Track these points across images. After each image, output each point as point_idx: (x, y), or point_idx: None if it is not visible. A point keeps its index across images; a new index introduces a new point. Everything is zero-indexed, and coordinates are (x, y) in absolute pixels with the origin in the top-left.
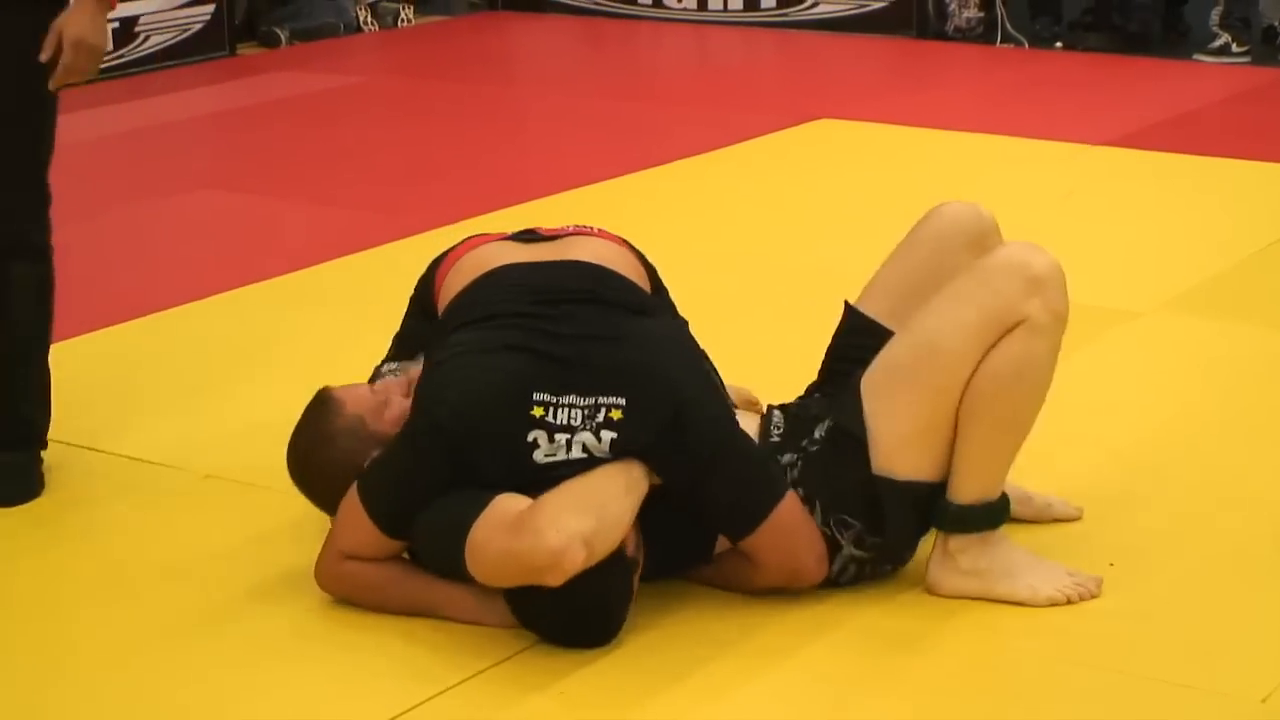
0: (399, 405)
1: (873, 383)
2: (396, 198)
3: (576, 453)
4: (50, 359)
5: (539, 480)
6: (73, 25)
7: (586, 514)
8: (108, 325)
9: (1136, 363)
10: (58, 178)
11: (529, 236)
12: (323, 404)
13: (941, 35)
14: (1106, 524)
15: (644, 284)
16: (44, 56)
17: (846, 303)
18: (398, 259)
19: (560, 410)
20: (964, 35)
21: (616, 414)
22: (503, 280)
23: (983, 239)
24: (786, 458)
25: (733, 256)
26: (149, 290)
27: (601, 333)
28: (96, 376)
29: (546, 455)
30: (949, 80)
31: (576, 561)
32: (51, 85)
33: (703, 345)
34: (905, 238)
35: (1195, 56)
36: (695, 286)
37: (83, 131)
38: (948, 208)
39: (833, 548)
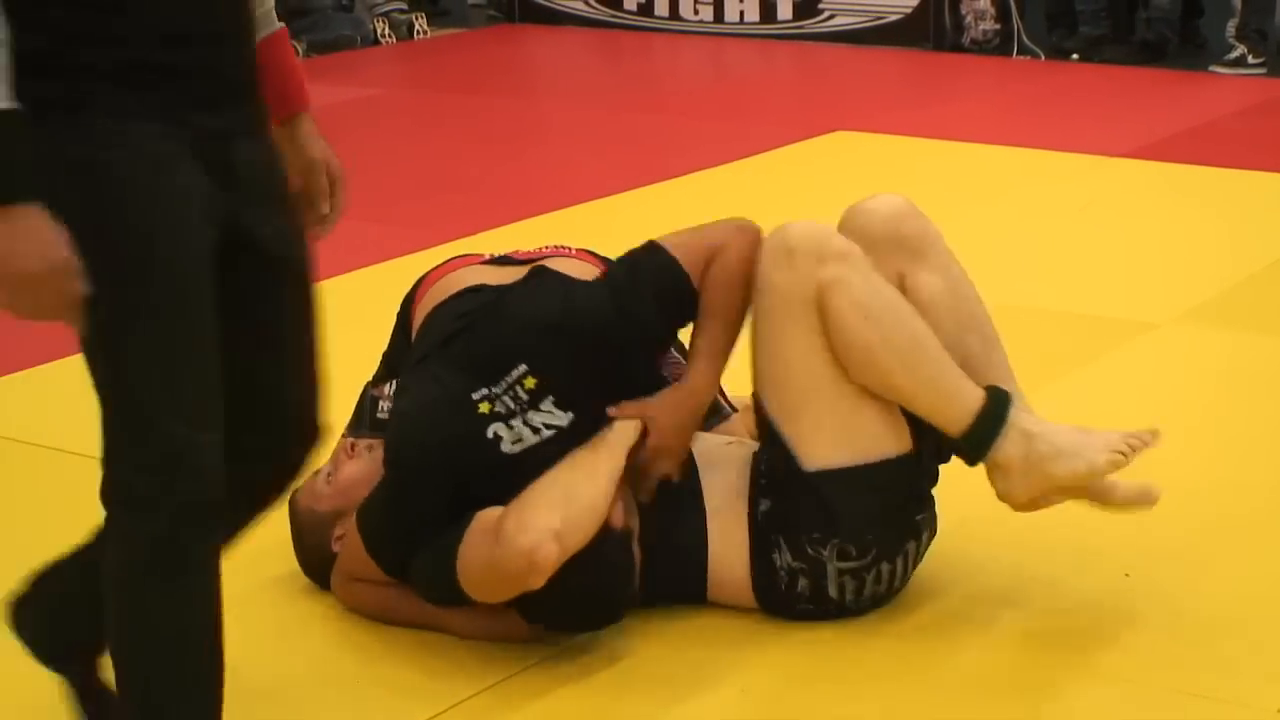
0: (344, 471)
1: (771, 403)
2: (413, 210)
3: (545, 433)
4: (66, 377)
5: (520, 470)
6: (331, 153)
7: (552, 508)
8: None
9: (1153, 374)
10: None
11: (505, 260)
12: (289, 511)
13: (958, 47)
14: (1122, 534)
15: None
16: (325, 210)
17: None
18: (413, 272)
19: (499, 400)
20: (980, 47)
21: (530, 381)
22: (457, 307)
23: (901, 233)
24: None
25: None
26: None
27: (493, 317)
28: None
29: (514, 443)
30: (965, 92)
31: (550, 558)
32: (320, 237)
33: None
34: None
35: (1211, 68)
36: None
37: None
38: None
39: (818, 570)
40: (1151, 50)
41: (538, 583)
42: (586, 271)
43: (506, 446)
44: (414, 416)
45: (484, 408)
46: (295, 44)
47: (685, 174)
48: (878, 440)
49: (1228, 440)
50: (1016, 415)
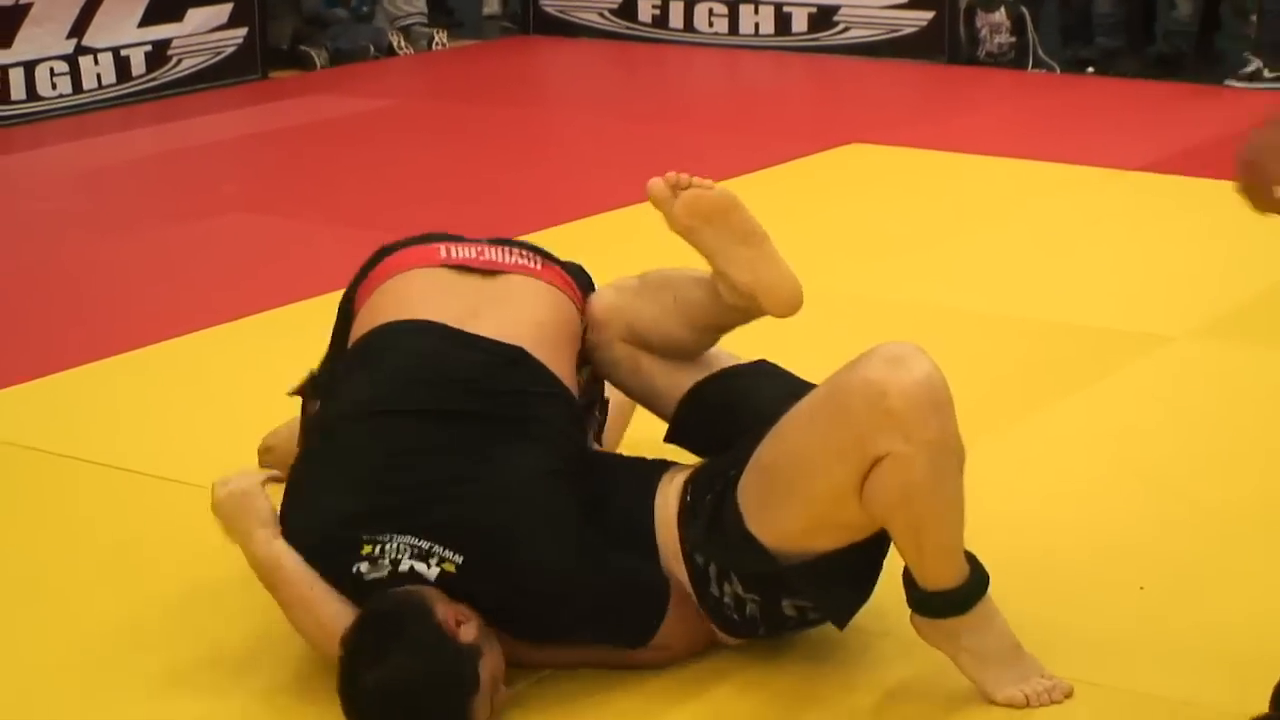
0: None
1: (748, 489)
2: (428, 221)
3: (401, 573)
4: (80, 381)
5: (365, 594)
6: None
7: None
8: (138, 347)
9: (1167, 388)
10: (89, 199)
11: (462, 267)
12: None
13: (973, 60)
14: (1137, 548)
15: (573, 345)
16: None
17: None
18: None
19: (389, 547)
20: (995, 60)
21: (450, 567)
22: (391, 359)
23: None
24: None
25: None
26: (180, 313)
27: (457, 475)
28: (125, 398)
29: (372, 575)
30: (980, 105)
31: None
32: None
33: None
34: None
35: (1227, 82)
36: None
37: (114, 154)
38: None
39: (774, 614)
40: (1167, 64)
41: None
42: (552, 311)
43: (367, 577)
44: (302, 522)
45: (366, 549)
46: (313, 54)
47: None
48: (843, 538)
49: (1242, 454)
50: (985, 604)
